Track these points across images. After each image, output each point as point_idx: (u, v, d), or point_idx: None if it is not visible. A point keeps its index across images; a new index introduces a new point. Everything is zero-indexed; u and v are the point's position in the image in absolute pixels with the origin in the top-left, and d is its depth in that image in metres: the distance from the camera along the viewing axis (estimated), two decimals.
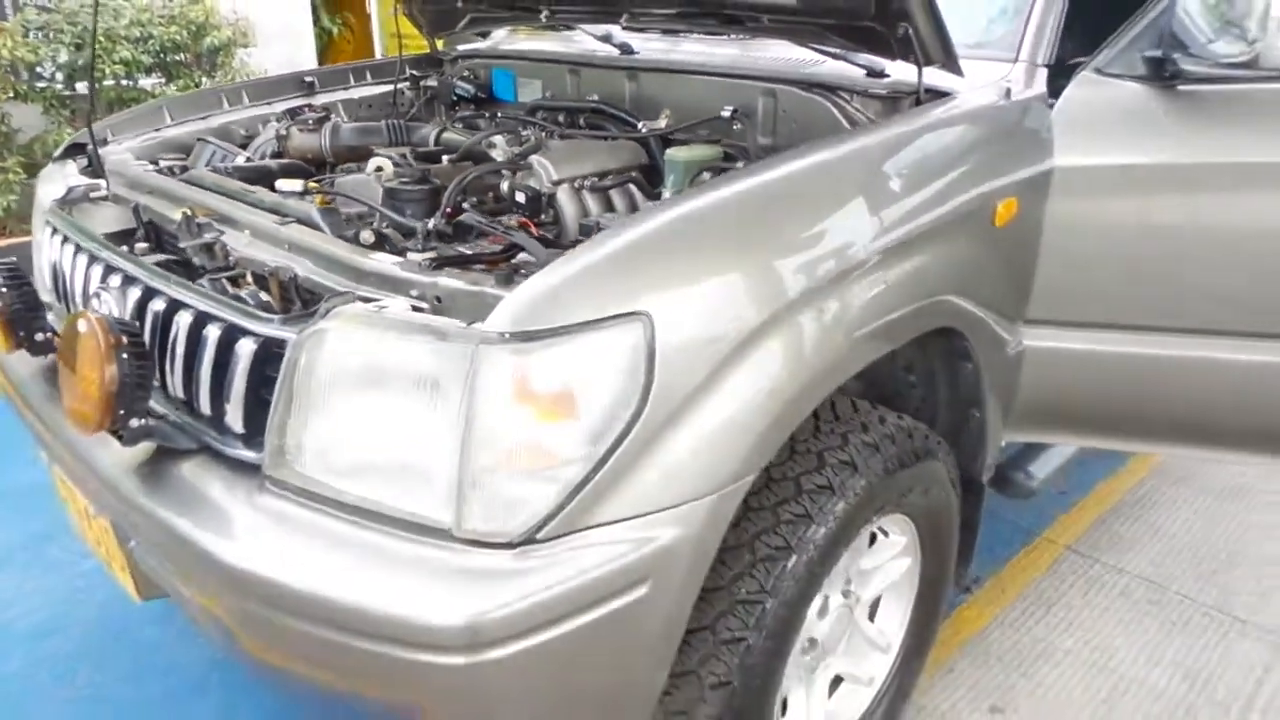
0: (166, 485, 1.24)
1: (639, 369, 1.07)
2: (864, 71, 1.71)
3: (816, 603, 1.54)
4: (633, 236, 1.14)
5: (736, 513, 1.27)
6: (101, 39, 3.63)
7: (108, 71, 3.64)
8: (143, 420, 1.24)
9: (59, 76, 3.83)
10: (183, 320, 1.29)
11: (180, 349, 1.29)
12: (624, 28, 2.08)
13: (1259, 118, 1.67)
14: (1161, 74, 1.66)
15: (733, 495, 1.17)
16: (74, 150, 2.01)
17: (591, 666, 1.12)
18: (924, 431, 1.60)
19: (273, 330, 1.18)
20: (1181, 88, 1.68)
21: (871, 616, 1.80)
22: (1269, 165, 1.65)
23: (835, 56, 1.75)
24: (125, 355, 1.18)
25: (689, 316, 1.12)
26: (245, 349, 1.20)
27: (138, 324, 1.33)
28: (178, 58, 3.95)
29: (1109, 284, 1.79)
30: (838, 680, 1.76)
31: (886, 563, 1.71)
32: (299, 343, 1.13)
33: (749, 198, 1.27)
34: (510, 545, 1.05)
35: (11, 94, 3.64)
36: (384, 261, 1.23)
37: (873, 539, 1.68)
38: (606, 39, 2.13)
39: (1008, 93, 1.65)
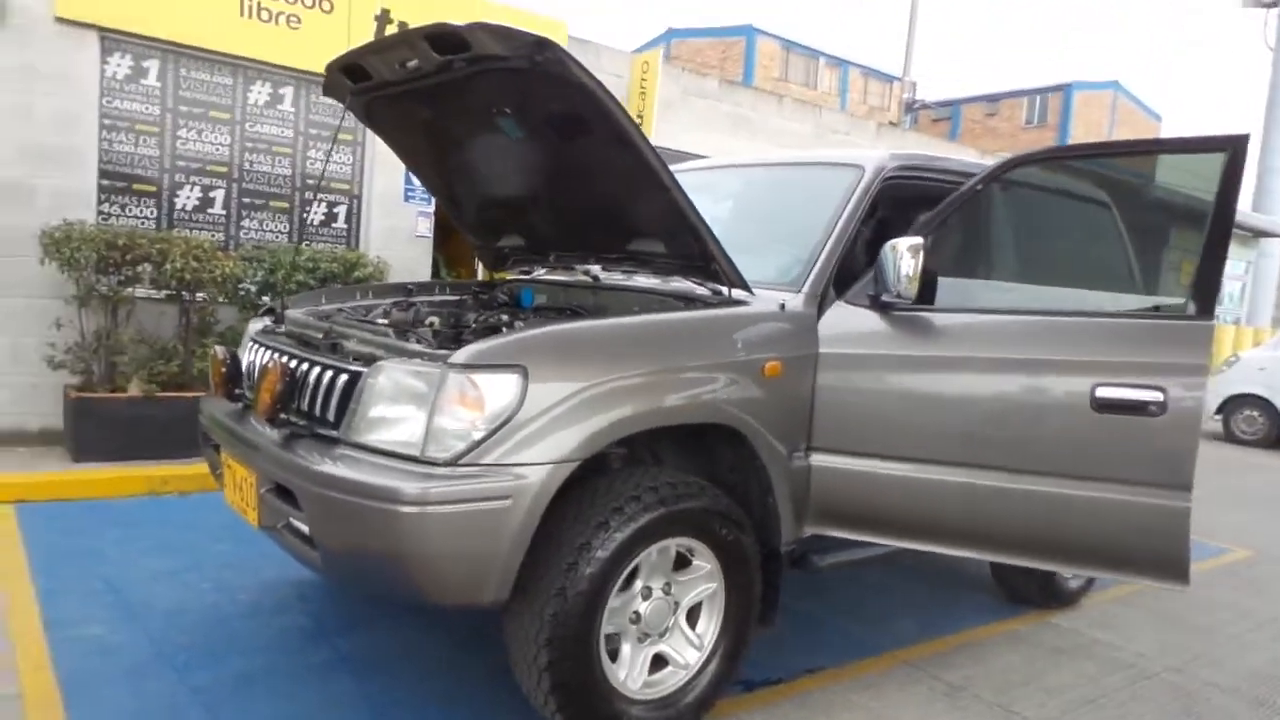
0: (293, 448, 2.46)
1: (517, 392, 2.28)
2: (710, 291, 3.00)
3: (638, 584, 2.57)
4: (526, 333, 2.39)
5: (584, 499, 2.41)
6: (286, 267, 5.36)
7: (288, 286, 5.33)
8: (285, 416, 2.51)
9: (253, 289, 5.55)
10: (314, 371, 2.59)
11: (310, 384, 2.57)
12: (602, 268, 3.48)
13: (925, 329, 2.85)
14: (879, 304, 2.89)
15: (563, 467, 2.31)
16: (267, 312, 3.46)
17: (479, 533, 2.21)
18: (715, 492, 2.67)
19: (356, 368, 2.45)
20: (894, 312, 2.90)
21: (695, 623, 2.76)
22: (933, 357, 2.81)
23: (699, 284, 3.05)
24: (286, 378, 2.48)
25: (550, 373, 2.33)
26: (342, 378, 2.47)
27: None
28: (335, 284, 5.64)
29: (860, 426, 2.90)
30: (664, 661, 2.70)
31: (696, 579, 2.71)
32: (367, 374, 2.39)
33: (596, 326, 2.53)
34: (446, 464, 2.22)
35: (222, 298, 5.37)
36: (414, 344, 2.52)
37: (686, 561, 2.70)
38: (586, 272, 3.51)
39: (782, 306, 2.89)
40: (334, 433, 2.43)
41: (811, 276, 3.01)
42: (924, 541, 2.92)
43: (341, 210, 6.38)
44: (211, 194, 5.85)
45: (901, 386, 2.86)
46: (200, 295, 5.29)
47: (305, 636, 3.20)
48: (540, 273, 4.02)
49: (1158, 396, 2.58)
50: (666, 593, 2.66)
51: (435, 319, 3.13)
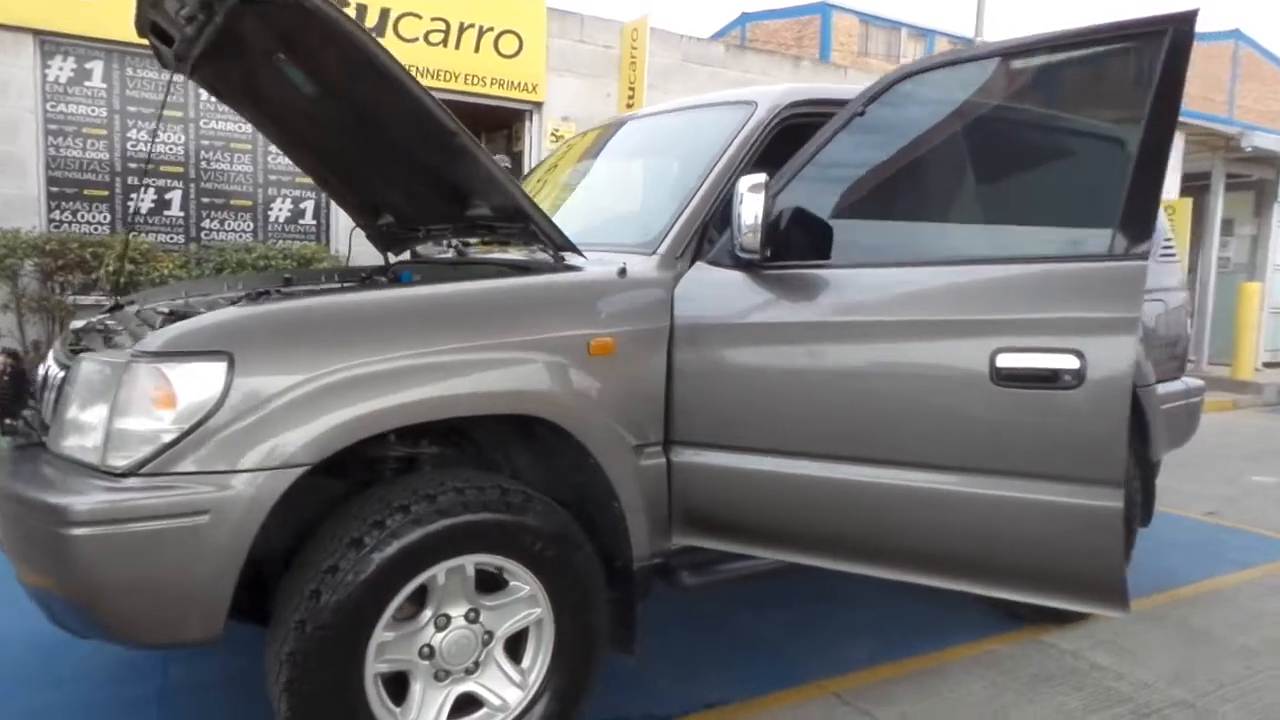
0: (14, 463, 2.12)
1: (219, 384, 1.86)
2: (553, 258, 2.52)
3: (428, 611, 2.12)
4: (232, 313, 1.97)
5: (351, 510, 1.98)
6: (235, 265, 5.13)
7: None
8: (14, 422, 2.17)
9: None
10: (50, 369, 2.25)
11: (47, 384, 2.23)
12: (480, 240, 3.05)
13: (795, 290, 2.29)
14: (740, 262, 2.34)
15: (283, 475, 1.87)
16: (114, 309, 3.17)
17: (168, 555, 1.80)
18: (529, 500, 2.19)
19: (69, 363, 2.09)
20: (763, 271, 2.35)
21: (521, 656, 2.29)
22: (800, 324, 2.25)
23: (544, 252, 2.57)
24: (6, 378, 2.14)
25: (265, 360, 1.91)
26: (61, 376, 2.12)
27: (21, 365, 2.31)
28: None
29: (724, 413, 2.36)
30: (478, 703, 2.24)
31: (514, 604, 2.23)
32: (69, 370, 2.03)
33: (332, 303, 2.09)
34: (125, 474, 1.82)
35: None
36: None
37: (502, 583, 2.23)
38: (453, 246, 3.08)
39: (622, 271, 2.38)
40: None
41: (670, 236, 2.50)
42: (806, 555, 2.36)
43: (308, 205, 6.14)
44: (168, 195, 5.70)
45: (767, 363, 2.31)
46: None
47: (136, 667, 2.88)
48: (448, 251, 3.62)
49: (1072, 363, 1.95)
50: (472, 621, 2.20)
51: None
